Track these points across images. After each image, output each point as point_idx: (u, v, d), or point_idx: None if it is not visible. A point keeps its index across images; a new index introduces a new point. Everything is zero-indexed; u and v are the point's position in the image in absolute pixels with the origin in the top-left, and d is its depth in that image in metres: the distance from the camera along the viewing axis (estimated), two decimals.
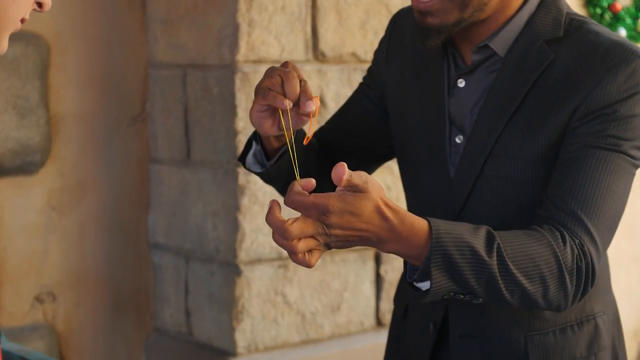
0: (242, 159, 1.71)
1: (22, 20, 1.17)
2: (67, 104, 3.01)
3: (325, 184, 1.50)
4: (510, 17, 1.65)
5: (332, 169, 1.37)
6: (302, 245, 1.37)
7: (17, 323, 2.95)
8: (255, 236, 2.91)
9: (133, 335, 3.20)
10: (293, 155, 1.44)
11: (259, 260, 2.93)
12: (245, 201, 2.88)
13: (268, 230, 2.92)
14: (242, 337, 2.92)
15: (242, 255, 2.90)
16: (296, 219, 1.36)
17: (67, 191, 3.03)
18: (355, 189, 1.38)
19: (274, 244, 2.93)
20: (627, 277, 3.95)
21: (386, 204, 1.41)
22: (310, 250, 1.38)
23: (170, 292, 3.16)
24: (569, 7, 1.68)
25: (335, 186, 1.39)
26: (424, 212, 1.71)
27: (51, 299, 3.02)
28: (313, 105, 1.46)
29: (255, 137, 1.68)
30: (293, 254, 1.37)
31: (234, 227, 2.90)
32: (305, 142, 1.48)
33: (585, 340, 1.69)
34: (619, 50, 1.58)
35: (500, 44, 1.64)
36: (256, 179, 2.88)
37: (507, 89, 1.63)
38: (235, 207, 2.89)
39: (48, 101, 2.97)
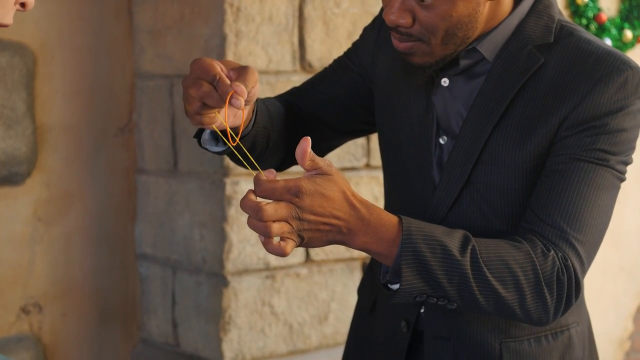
0: (198, 136, 1.62)
1: (4, 25, 1.16)
2: (53, 115, 3.00)
3: (289, 150, 1.51)
4: (499, 22, 1.62)
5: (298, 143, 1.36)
6: (276, 228, 1.35)
7: (2, 334, 2.93)
8: (243, 247, 2.90)
9: (120, 346, 3.19)
10: (243, 153, 1.44)
11: (246, 271, 2.92)
12: (232, 212, 2.88)
13: (255, 240, 2.91)
14: (229, 348, 2.91)
15: (229, 266, 2.89)
16: (270, 202, 1.35)
17: (54, 202, 3.02)
18: (320, 172, 1.38)
19: (261, 254, 2.93)
20: (613, 287, 3.96)
21: (352, 193, 1.41)
22: (284, 239, 1.37)
23: (157, 303, 3.15)
24: (561, 13, 1.66)
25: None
26: None
27: (37, 309, 3.01)
28: (242, 100, 1.39)
29: None
30: (267, 237, 1.35)
31: (221, 237, 2.89)
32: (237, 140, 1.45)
33: (559, 350, 1.69)
34: (611, 60, 1.56)
35: (489, 48, 1.62)
36: (244, 190, 2.87)
37: (495, 92, 1.60)
38: (223, 218, 2.88)
39: (34, 111, 2.96)
